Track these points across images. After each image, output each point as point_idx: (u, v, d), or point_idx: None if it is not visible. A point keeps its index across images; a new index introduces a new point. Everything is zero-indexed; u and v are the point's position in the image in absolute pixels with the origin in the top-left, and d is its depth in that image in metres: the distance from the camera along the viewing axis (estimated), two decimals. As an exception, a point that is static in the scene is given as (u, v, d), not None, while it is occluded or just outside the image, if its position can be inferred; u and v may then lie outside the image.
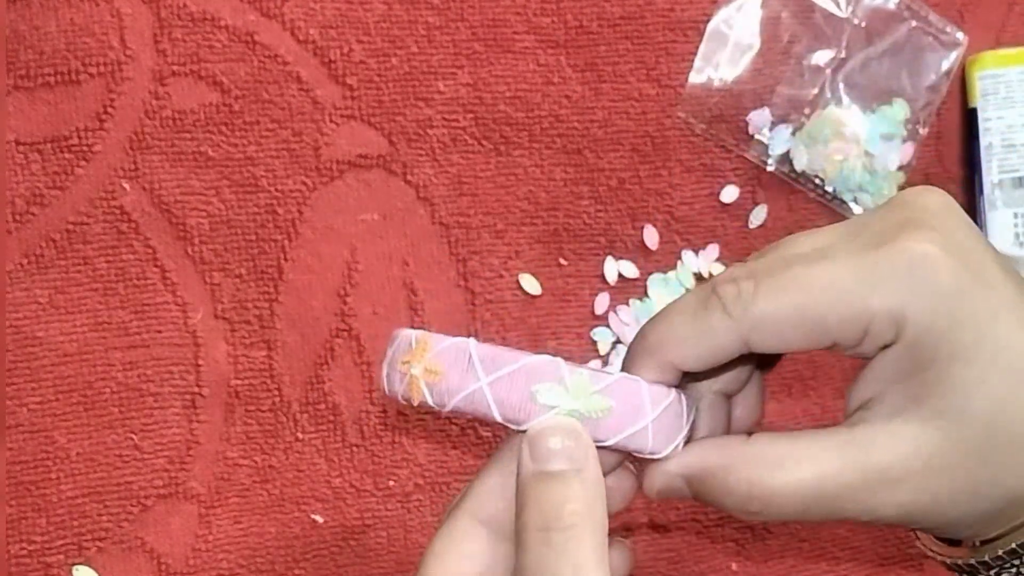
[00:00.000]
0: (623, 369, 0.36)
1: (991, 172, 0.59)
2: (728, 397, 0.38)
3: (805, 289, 0.33)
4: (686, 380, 0.36)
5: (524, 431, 0.33)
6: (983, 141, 0.59)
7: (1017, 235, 0.59)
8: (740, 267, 0.34)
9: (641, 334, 0.35)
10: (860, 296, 0.32)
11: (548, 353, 0.34)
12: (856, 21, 0.58)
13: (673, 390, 0.35)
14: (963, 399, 0.32)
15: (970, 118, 0.60)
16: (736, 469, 0.34)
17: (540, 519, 0.32)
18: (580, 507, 0.32)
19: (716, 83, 0.58)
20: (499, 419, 0.33)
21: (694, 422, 0.37)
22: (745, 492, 0.34)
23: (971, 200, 0.60)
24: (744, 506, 0.34)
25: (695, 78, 0.58)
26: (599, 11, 0.57)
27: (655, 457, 0.35)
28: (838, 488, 0.33)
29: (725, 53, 0.58)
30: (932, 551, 0.37)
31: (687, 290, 0.57)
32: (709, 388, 0.37)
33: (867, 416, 0.34)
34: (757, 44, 0.58)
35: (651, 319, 0.35)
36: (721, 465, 0.34)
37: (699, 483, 0.35)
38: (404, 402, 0.34)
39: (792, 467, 0.33)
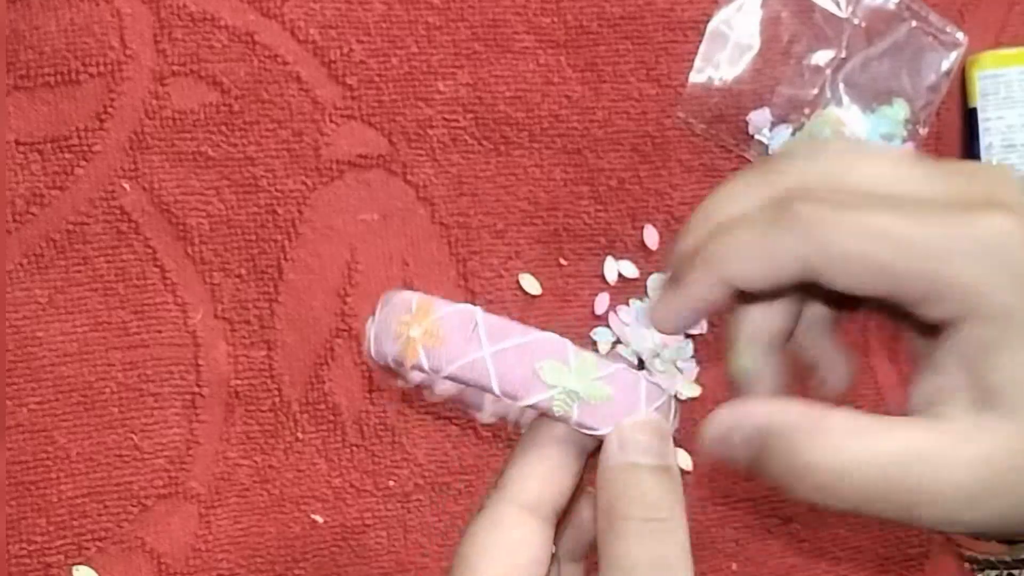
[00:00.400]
0: (670, 279, 0.35)
1: (991, 172, 0.59)
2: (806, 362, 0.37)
3: (883, 236, 0.31)
4: (744, 317, 0.35)
5: (528, 407, 0.33)
6: (983, 141, 0.59)
7: (1017, 235, 0.59)
8: (816, 178, 0.33)
9: (702, 245, 0.33)
10: (936, 260, 0.31)
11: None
12: (856, 21, 0.58)
13: (666, 392, 0.35)
14: None
15: (970, 118, 0.60)
16: (815, 432, 0.32)
17: (642, 509, 0.32)
18: (677, 502, 0.33)
19: (716, 83, 0.58)
20: (497, 391, 0.32)
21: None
22: (819, 459, 0.31)
23: (971, 200, 0.60)
24: (813, 477, 0.31)
25: (695, 78, 0.58)
26: (599, 11, 0.57)
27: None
28: (921, 466, 0.31)
29: (725, 53, 0.58)
30: (964, 547, 0.37)
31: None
32: (768, 330, 0.36)
33: (942, 411, 0.32)
34: (757, 44, 0.58)
35: (715, 230, 0.33)
36: (798, 425, 0.32)
37: (766, 443, 0.32)
38: (393, 365, 0.33)
39: (877, 437, 0.31)
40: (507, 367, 0.32)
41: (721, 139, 0.58)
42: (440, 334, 0.32)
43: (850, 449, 0.31)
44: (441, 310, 0.33)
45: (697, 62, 0.58)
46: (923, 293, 0.32)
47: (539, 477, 0.34)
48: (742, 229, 0.33)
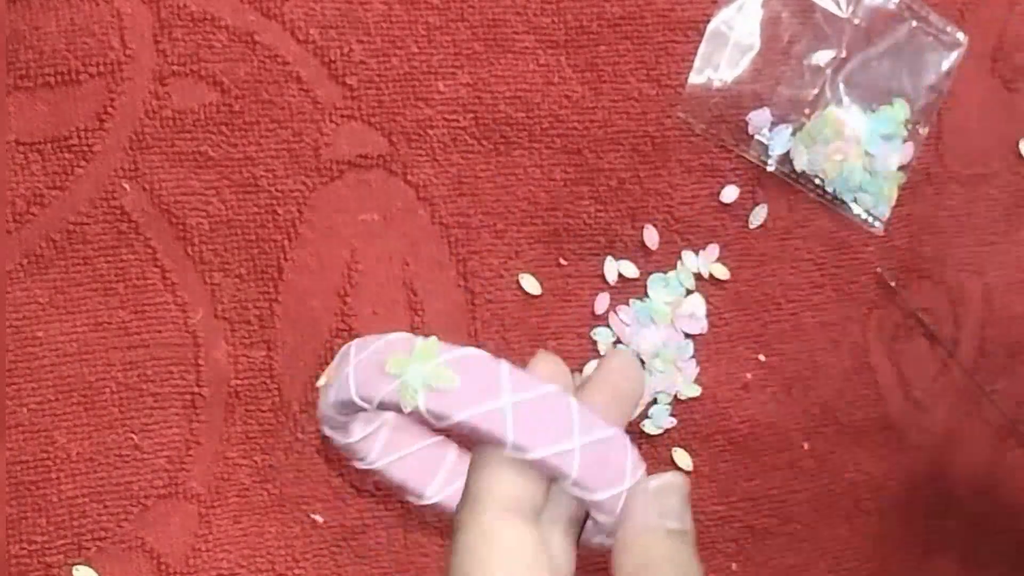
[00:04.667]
0: None
1: (991, 172, 0.59)
2: None
3: None
4: None
5: (383, 407, 0.33)
6: (983, 141, 0.59)
7: (1017, 235, 0.59)
8: None
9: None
10: None
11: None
12: (856, 21, 0.58)
13: (561, 389, 0.33)
14: None
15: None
16: None
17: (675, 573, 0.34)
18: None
19: (716, 83, 0.58)
20: (355, 397, 0.33)
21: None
22: None
23: (971, 200, 0.60)
24: None
25: (695, 78, 0.58)
26: (599, 11, 0.57)
27: (527, 457, 0.33)
28: None
29: (725, 53, 0.58)
30: None
31: (687, 291, 0.57)
32: None
33: None
34: (757, 44, 0.58)
35: None
36: None
37: None
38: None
39: None
40: (362, 371, 0.34)
41: (721, 139, 0.58)
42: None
43: None
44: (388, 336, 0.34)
45: (697, 62, 0.58)
46: None
47: (508, 481, 0.34)
48: None
